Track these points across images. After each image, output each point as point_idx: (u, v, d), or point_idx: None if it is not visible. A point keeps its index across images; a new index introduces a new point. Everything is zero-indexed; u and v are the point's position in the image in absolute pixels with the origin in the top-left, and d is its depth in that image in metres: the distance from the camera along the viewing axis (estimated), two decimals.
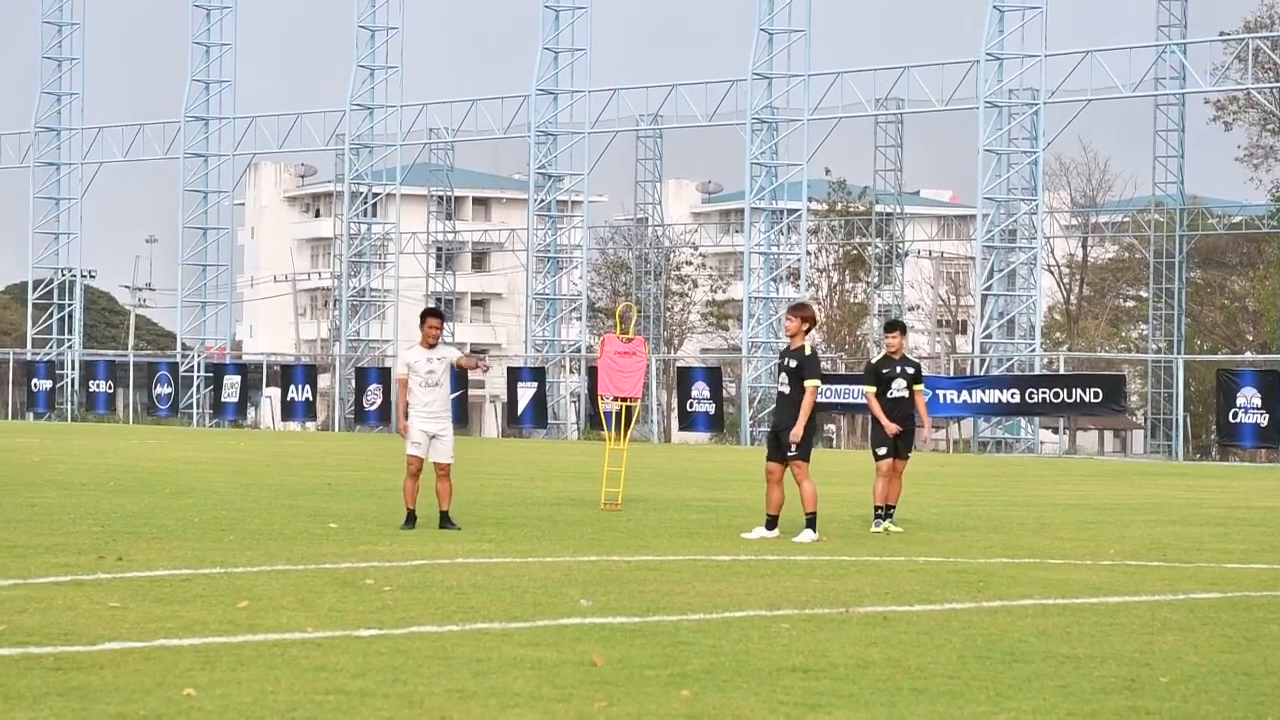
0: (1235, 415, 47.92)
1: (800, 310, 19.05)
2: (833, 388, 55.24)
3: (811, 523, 18.49)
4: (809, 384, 18.58)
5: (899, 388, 20.23)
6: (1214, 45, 62.00)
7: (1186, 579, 15.31)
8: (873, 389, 20.25)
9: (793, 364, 18.73)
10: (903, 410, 20.26)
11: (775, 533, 18.67)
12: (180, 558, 15.33)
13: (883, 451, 20.13)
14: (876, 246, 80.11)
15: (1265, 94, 67.11)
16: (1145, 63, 58.25)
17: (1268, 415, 47.32)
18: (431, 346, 19.23)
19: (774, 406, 19.64)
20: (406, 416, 19.14)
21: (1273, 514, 24.37)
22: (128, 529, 18.16)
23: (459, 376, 64.62)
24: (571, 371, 68.99)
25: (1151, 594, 14.13)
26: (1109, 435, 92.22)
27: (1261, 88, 65.62)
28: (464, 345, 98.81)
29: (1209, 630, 12.00)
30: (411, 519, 19.04)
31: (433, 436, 19.12)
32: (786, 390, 18.75)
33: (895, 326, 20.63)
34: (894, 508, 20.25)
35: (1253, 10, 76.96)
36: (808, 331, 18.94)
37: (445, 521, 19.00)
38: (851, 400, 53.95)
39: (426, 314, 19.55)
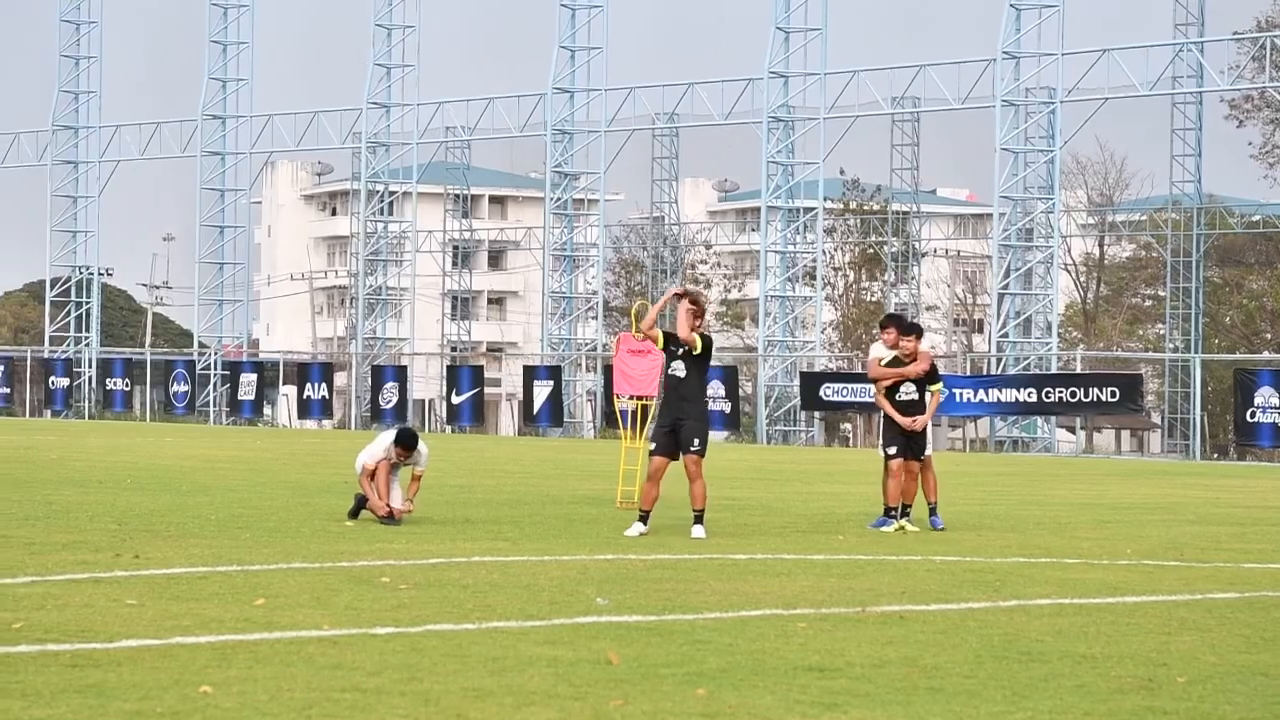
0: (1253, 415, 47.80)
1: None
2: (848, 386, 55.25)
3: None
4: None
5: (908, 390, 20.15)
6: (1229, 43, 61.84)
7: (1203, 579, 15.28)
8: (884, 387, 20.25)
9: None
10: (913, 413, 20.18)
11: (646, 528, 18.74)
12: (197, 555, 15.35)
13: (893, 450, 20.09)
14: (893, 245, 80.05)
15: None
16: (1162, 61, 58.09)
17: None
18: None
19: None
20: (381, 496, 19.43)
21: None
22: (145, 526, 18.19)
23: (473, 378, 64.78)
24: (588, 370, 68.97)
25: (1168, 594, 14.10)
26: (1126, 435, 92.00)
27: (1278, 86, 65.41)
28: (480, 344, 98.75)
29: (1226, 630, 11.98)
30: (359, 508, 19.49)
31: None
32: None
33: (912, 330, 20.35)
34: (910, 506, 20.24)
35: (1264, 9, 76.70)
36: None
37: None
38: (868, 399, 53.96)
39: (399, 440, 19.64)
